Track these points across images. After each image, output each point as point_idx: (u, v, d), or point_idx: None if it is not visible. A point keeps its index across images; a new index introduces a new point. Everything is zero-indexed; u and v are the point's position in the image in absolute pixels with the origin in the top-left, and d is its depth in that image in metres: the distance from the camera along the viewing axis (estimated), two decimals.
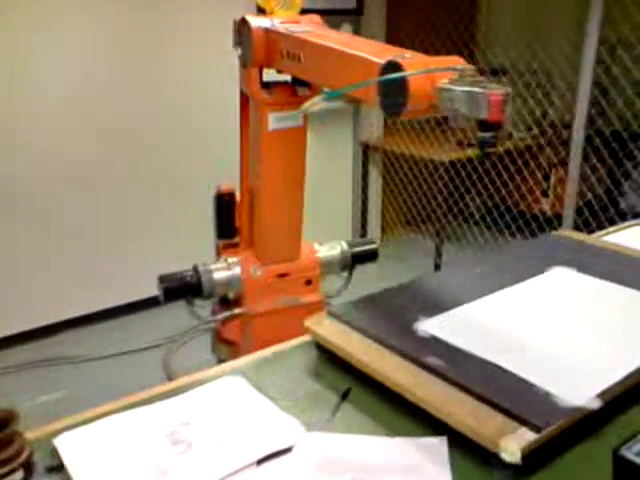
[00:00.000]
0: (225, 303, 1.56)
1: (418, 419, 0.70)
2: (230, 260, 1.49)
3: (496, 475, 0.62)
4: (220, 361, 1.68)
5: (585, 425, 0.67)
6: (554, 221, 2.75)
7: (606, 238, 1.25)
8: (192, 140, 2.67)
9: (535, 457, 0.62)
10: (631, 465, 0.56)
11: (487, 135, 0.77)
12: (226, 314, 1.52)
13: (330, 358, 0.82)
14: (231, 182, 1.58)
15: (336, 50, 1.03)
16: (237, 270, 1.47)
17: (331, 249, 1.60)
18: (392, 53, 0.90)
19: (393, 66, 0.83)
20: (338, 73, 1.05)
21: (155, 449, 0.67)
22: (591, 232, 1.38)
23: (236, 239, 1.61)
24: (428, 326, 0.83)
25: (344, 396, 0.76)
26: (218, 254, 1.64)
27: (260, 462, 0.65)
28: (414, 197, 3.32)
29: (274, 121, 1.34)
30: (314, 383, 0.79)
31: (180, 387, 0.79)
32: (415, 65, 0.82)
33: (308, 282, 1.53)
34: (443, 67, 0.81)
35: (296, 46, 1.18)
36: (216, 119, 2.60)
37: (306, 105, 1.07)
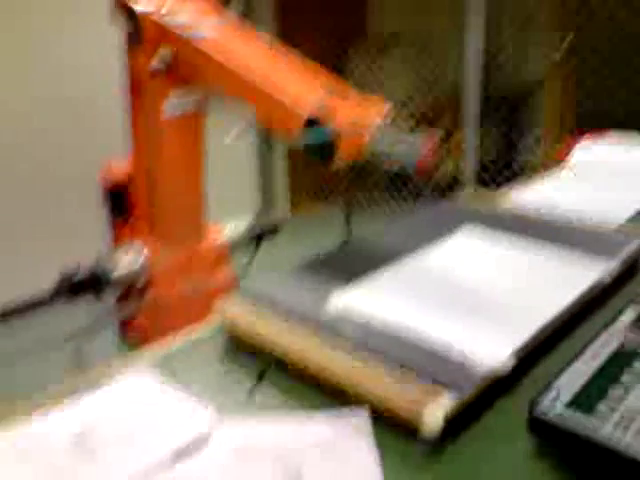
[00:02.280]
0: (129, 291, 1.49)
1: (340, 395, 0.67)
2: (132, 248, 1.41)
3: (419, 443, 0.60)
4: (131, 349, 1.61)
5: (503, 383, 0.66)
6: (456, 183, 2.82)
7: (508, 195, 1.27)
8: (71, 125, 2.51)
9: (457, 421, 0.61)
10: (545, 414, 0.56)
11: (419, 181, 0.84)
12: (134, 304, 1.44)
13: (242, 340, 0.78)
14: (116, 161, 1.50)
15: (252, 85, 0.97)
16: (141, 258, 1.40)
17: (235, 227, 1.55)
18: (313, 92, 0.90)
19: (315, 121, 0.85)
20: (254, 108, 1.01)
21: (56, 462, 0.61)
22: (492, 191, 1.40)
23: (129, 216, 1.53)
24: (340, 299, 0.80)
25: (260, 378, 0.72)
26: (114, 234, 1.56)
27: (175, 458, 0.61)
28: (321, 169, 3.29)
29: (169, 107, 1.27)
30: (228, 367, 0.75)
31: (83, 385, 0.73)
32: (341, 113, 0.84)
33: (216, 262, 1.48)
34: (372, 119, 0.84)
35: (196, 56, 1.10)
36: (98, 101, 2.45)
37: (231, 138, 1.01)
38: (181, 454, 0.61)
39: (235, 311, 0.79)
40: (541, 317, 0.74)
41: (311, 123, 0.85)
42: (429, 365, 0.65)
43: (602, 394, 0.58)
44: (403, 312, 0.76)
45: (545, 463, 0.58)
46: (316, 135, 0.83)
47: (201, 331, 0.84)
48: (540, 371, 0.71)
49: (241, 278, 1.52)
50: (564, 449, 0.57)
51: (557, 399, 0.57)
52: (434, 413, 0.59)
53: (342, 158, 0.84)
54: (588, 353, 0.64)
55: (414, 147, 0.80)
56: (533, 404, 0.57)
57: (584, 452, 0.55)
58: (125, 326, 1.57)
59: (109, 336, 1.65)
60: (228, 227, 1.55)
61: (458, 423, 0.61)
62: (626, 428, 0.53)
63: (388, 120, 0.85)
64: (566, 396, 0.57)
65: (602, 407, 0.56)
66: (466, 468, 0.58)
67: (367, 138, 0.83)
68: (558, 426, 0.56)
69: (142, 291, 1.43)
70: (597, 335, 0.67)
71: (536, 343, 0.71)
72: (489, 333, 0.72)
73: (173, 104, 1.26)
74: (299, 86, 0.94)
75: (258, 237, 1.60)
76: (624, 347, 0.65)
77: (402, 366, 0.65)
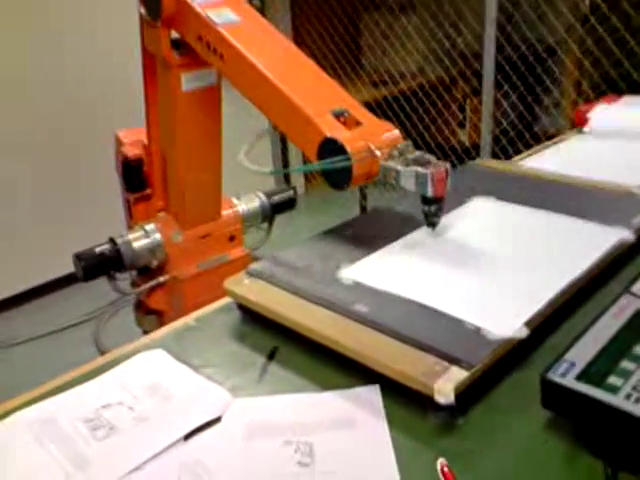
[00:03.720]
0: (145, 272, 1.50)
1: (350, 371, 0.67)
2: (148, 227, 1.41)
3: (431, 418, 0.61)
4: (146, 332, 1.63)
5: (515, 355, 0.66)
6: (472, 151, 2.78)
7: (523, 162, 1.25)
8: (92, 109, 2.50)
9: (468, 394, 0.61)
10: (557, 387, 0.56)
11: (431, 208, 0.85)
12: (152, 284, 1.45)
13: (254, 319, 0.78)
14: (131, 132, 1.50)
15: (272, 84, 0.95)
16: (157, 237, 1.40)
17: (250, 201, 1.55)
18: (331, 105, 0.91)
19: (334, 144, 0.85)
20: (271, 108, 0.99)
21: (73, 439, 0.62)
22: (509, 159, 1.38)
23: (148, 191, 1.53)
24: (351, 273, 0.80)
25: (271, 356, 0.73)
26: (129, 210, 1.56)
27: (188, 437, 0.62)
28: None
29: (187, 82, 1.25)
30: (239, 346, 0.76)
31: (99, 366, 0.74)
32: (355, 141, 0.85)
33: (231, 238, 1.48)
34: (384, 146, 0.86)
35: (218, 42, 1.07)
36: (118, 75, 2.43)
37: (242, 155, 0.99)
38: (195, 433, 0.62)
39: (246, 288, 0.79)
40: (555, 285, 0.73)
41: (328, 142, 0.85)
42: (441, 337, 0.65)
43: (613, 366, 0.57)
44: (415, 284, 0.76)
45: (557, 436, 0.57)
46: (335, 161, 0.84)
47: (213, 310, 0.84)
48: (556, 340, 0.70)
49: (256, 253, 1.53)
50: (576, 422, 0.57)
51: (568, 372, 0.56)
52: (445, 386, 0.59)
53: (355, 184, 0.85)
54: (600, 323, 0.63)
55: (428, 177, 0.81)
56: (544, 378, 0.57)
57: (595, 424, 0.54)
58: (142, 307, 1.58)
59: (126, 317, 1.67)
60: (243, 202, 1.55)
61: (469, 396, 0.61)
62: (637, 400, 0.53)
63: (399, 147, 0.87)
64: (577, 369, 0.57)
65: (613, 379, 0.55)
66: (477, 442, 0.58)
67: (379, 164, 0.85)
68: (569, 399, 0.55)
69: (158, 270, 1.44)
70: (610, 304, 0.66)
71: (550, 312, 0.71)
72: (502, 303, 0.71)
73: (189, 78, 1.25)
74: (320, 100, 0.93)
75: (273, 212, 1.60)
76: (638, 316, 0.64)
77: (414, 339, 0.65)
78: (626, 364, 0.57)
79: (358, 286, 0.77)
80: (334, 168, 0.84)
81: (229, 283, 0.80)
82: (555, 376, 0.56)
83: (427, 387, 0.60)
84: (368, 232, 0.91)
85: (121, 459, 0.59)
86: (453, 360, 0.62)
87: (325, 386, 0.67)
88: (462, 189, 1.04)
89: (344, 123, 0.89)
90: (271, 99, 0.95)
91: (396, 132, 0.90)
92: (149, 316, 1.62)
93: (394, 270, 0.80)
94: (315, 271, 0.81)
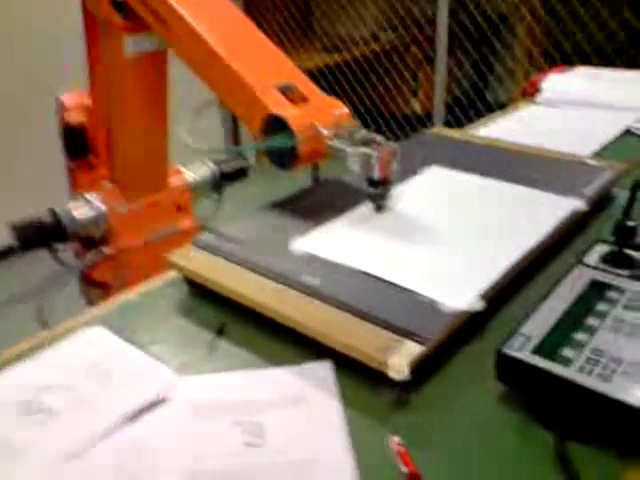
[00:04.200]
0: (90, 243, 1.44)
1: (302, 346, 0.65)
2: (90, 197, 1.35)
3: (385, 393, 0.59)
4: (92, 305, 1.57)
5: (469, 326, 0.65)
6: (425, 120, 2.77)
7: (476, 131, 1.24)
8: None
9: (423, 369, 0.59)
10: (512, 360, 0.55)
11: (377, 191, 0.82)
12: (95, 256, 1.39)
13: (202, 293, 0.75)
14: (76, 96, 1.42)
15: (216, 55, 0.89)
16: (100, 208, 1.34)
17: (198, 170, 1.50)
18: (278, 79, 0.87)
19: (279, 122, 0.81)
20: (214, 80, 0.93)
21: (7, 426, 0.58)
22: (461, 127, 1.37)
23: (91, 158, 1.46)
24: (302, 245, 0.77)
25: (219, 332, 0.70)
26: (72, 179, 1.49)
27: (130, 419, 0.59)
28: None
29: (130, 46, 1.18)
30: (186, 322, 0.72)
31: (34, 345, 0.69)
32: (301, 118, 0.81)
33: (180, 209, 1.43)
34: (331, 125, 0.83)
35: (160, 5, 1.00)
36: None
37: (183, 131, 0.93)
38: (137, 414, 0.59)
39: (192, 261, 0.76)
40: (510, 256, 0.72)
41: (273, 119, 0.81)
42: (395, 310, 0.63)
43: (567, 338, 0.56)
44: (368, 255, 0.74)
45: (511, 409, 0.57)
46: (279, 140, 0.80)
47: (158, 284, 0.80)
48: (510, 311, 0.69)
49: (206, 224, 1.48)
50: (531, 395, 0.56)
51: (524, 346, 0.55)
52: (400, 362, 0.57)
53: (300, 164, 0.82)
54: (554, 295, 0.63)
55: (373, 158, 0.78)
56: (500, 352, 0.55)
57: (549, 397, 0.54)
58: (87, 280, 1.52)
59: (71, 291, 1.61)
60: (192, 170, 1.49)
61: (424, 370, 0.60)
62: (590, 371, 0.52)
63: (347, 126, 0.83)
64: (533, 342, 0.56)
65: (567, 352, 0.55)
66: (431, 417, 0.57)
67: (326, 144, 0.81)
68: (524, 373, 0.54)
69: (101, 242, 1.38)
70: (563, 276, 0.66)
71: (505, 283, 0.69)
72: (456, 274, 0.70)
73: (133, 42, 1.18)
74: (266, 73, 0.88)
75: (224, 181, 1.55)
76: (592, 286, 0.64)
77: (367, 312, 0.63)
78: (579, 336, 0.57)
79: (309, 258, 0.74)
80: (278, 147, 0.81)
81: (174, 256, 0.77)
82: (511, 350, 0.55)
83: (380, 363, 0.58)
84: (320, 203, 0.89)
85: (56, 445, 0.56)
86: (407, 334, 0.60)
87: (276, 362, 0.64)
88: (415, 158, 1.02)
89: (291, 99, 0.85)
90: (215, 71, 0.90)
91: (344, 110, 0.87)
92: (95, 289, 1.56)
93: (346, 242, 0.78)
94: (264, 243, 0.78)
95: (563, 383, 0.52)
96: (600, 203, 0.90)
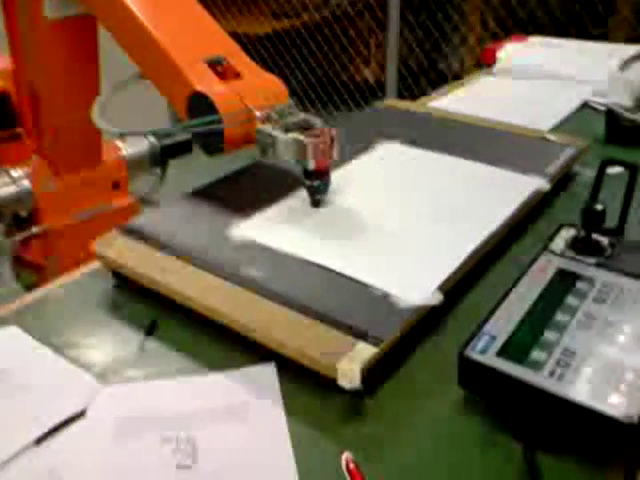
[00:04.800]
0: (19, 222, 1.33)
1: (242, 347, 0.58)
2: (14, 173, 1.24)
3: (335, 401, 0.53)
4: (27, 288, 1.47)
5: (426, 320, 0.59)
6: (377, 90, 2.69)
7: (431, 103, 1.18)
8: None
9: (376, 371, 0.53)
10: (476, 365, 0.49)
11: (314, 183, 0.72)
12: (23, 235, 1.29)
13: (130, 285, 0.67)
14: None
15: (138, 23, 0.78)
16: (25, 184, 1.23)
17: (136, 145, 1.40)
18: (207, 51, 0.76)
19: (204, 100, 0.71)
20: (136, 52, 0.82)
21: None
22: (415, 98, 1.30)
23: (18, 129, 1.34)
24: (245, 229, 0.69)
25: (149, 331, 0.62)
26: None
27: (44, 438, 0.51)
28: None
29: (51, 8, 1.06)
30: (112, 320, 0.64)
31: None
32: (229, 97, 0.72)
33: (115, 186, 1.33)
34: (264, 106, 0.73)
35: None
36: None
37: (95, 110, 0.81)
38: (53, 431, 0.51)
39: (118, 250, 0.67)
40: (469, 242, 0.66)
41: (198, 97, 0.72)
42: (345, 306, 0.57)
43: (536, 338, 0.51)
44: (315, 243, 0.67)
45: (474, 416, 0.51)
46: (201, 121, 0.71)
47: (81, 276, 0.72)
48: (471, 302, 0.64)
49: (145, 202, 1.39)
50: (497, 402, 0.50)
51: (488, 348, 0.50)
52: (350, 367, 0.50)
53: (227, 149, 0.73)
54: (520, 287, 0.57)
55: (307, 146, 0.68)
56: (462, 355, 0.50)
57: (518, 404, 0.48)
58: (19, 262, 1.41)
59: (4, 273, 1.50)
60: (129, 145, 1.39)
61: (377, 373, 0.54)
62: (561, 376, 0.47)
63: (280, 107, 0.73)
64: (498, 343, 0.50)
65: (536, 354, 0.49)
66: (386, 427, 0.51)
67: (258, 127, 0.71)
68: (489, 378, 0.49)
69: (28, 221, 1.27)
70: (528, 265, 0.60)
71: (465, 271, 0.64)
72: (411, 264, 0.64)
73: (54, 4, 1.06)
74: (194, 45, 0.78)
75: (165, 156, 1.46)
76: (559, 277, 0.58)
77: (313, 309, 0.56)
78: (549, 335, 0.51)
79: (250, 246, 0.66)
80: (201, 130, 0.71)
81: (99, 244, 0.68)
82: (474, 353, 0.49)
83: (329, 368, 0.51)
84: (263, 184, 0.81)
85: None
86: (359, 334, 0.53)
87: (213, 366, 0.57)
88: (366, 133, 0.95)
89: (220, 74, 0.75)
90: (136, 41, 0.80)
91: (280, 87, 0.77)
92: (27, 272, 1.46)
93: (291, 227, 0.70)
94: (200, 228, 0.70)
95: (533, 391, 0.46)
96: (562, 181, 0.86)
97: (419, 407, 0.52)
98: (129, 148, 1.37)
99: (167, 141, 1.42)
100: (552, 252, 0.62)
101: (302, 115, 0.73)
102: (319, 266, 0.63)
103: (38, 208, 1.25)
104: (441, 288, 0.59)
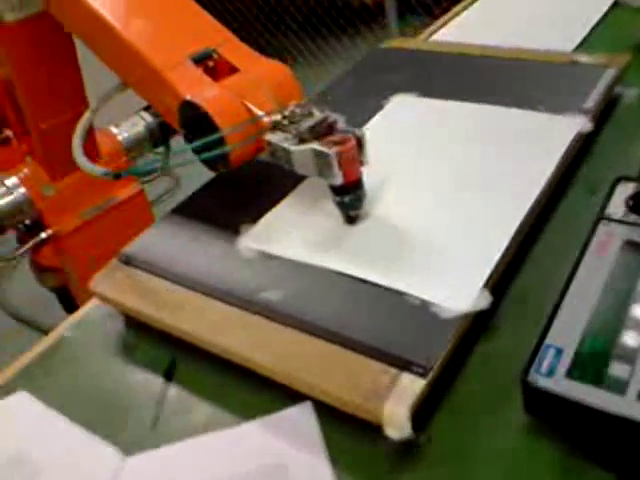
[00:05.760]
0: (28, 228, 1.27)
1: (272, 383, 0.51)
2: (9, 182, 1.16)
3: (382, 442, 0.46)
4: (52, 290, 1.43)
5: (471, 329, 0.51)
6: (376, 12, 2.51)
7: (438, 36, 1.05)
8: None
9: (426, 402, 0.46)
10: (543, 393, 0.41)
11: (345, 199, 0.58)
12: (30, 244, 1.23)
13: (138, 326, 0.60)
14: None
15: (106, 24, 0.65)
16: (22, 192, 1.16)
17: (133, 126, 1.30)
18: (192, 46, 0.63)
19: (195, 109, 0.58)
20: (112, 59, 0.69)
21: None
22: (421, 22, 1.17)
23: (7, 132, 1.26)
24: (252, 239, 0.61)
25: (168, 376, 0.55)
26: None
27: None
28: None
29: (8, 11, 0.94)
30: (127, 365, 0.58)
31: None
32: (226, 103, 0.59)
33: (117, 176, 1.24)
34: (272, 104, 0.59)
35: None
36: None
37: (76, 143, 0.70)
38: None
39: (119, 286, 0.60)
40: (511, 220, 0.57)
41: (188, 107, 0.59)
42: (382, 327, 0.49)
43: (613, 343, 0.43)
44: (336, 245, 0.59)
45: (549, 442, 0.44)
46: (201, 144, 0.58)
47: (90, 316, 0.65)
48: (514, 297, 0.55)
49: (151, 181, 1.31)
50: (572, 430, 0.43)
51: (555, 367, 0.42)
52: (398, 413, 0.43)
53: (235, 165, 0.61)
54: (581, 273, 0.48)
55: (332, 159, 0.54)
56: (524, 383, 0.42)
57: (600, 434, 0.41)
58: (37, 268, 1.36)
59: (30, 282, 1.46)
60: (124, 129, 1.30)
61: (426, 405, 0.46)
62: None
63: (291, 108, 0.59)
64: (566, 359, 0.42)
65: (616, 368, 0.41)
66: (448, 466, 0.44)
67: (267, 138, 0.59)
68: (560, 405, 0.41)
69: (35, 227, 1.21)
70: (587, 240, 0.51)
71: (509, 260, 0.55)
72: (447, 261, 0.55)
73: (8, 7, 0.95)
74: (175, 42, 0.65)
75: (166, 132, 1.36)
76: (627, 252, 0.49)
77: (347, 336, 0.49)
78: (628, 336, 0.43)
79: (264, 259, 0.58)
80: (203, 151, 0.59)
81: (97, 281, 0.61)
82: (540, 378, 0.42)
83: (373, 414, 0.44)
84: (264, 181, 0.69)
85: None
86: (402, 364, 0.46)
87: (243, 411, 0.51)
88: (376, 84, 0.84)
89: (213, 71, 0.63)
90: (107, 45, 0.68)
91: (287, 75, 0.63)
92: (48, 275, 1.41)
93: (306, 229, 0.61)
94: (206, 242, 0.62)
95: (618, 420, 0.39)
96: (604, 110, 0.74)
97: (479, 438, 0.45)
98: (124, 132, 1.28)
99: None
100: (610, 218, 0.53)
101: (319, 114, 0.58)
102: (341, 274, 0.55)
103: (41, 214, 1.18)
104: (487, 284, 0.51)
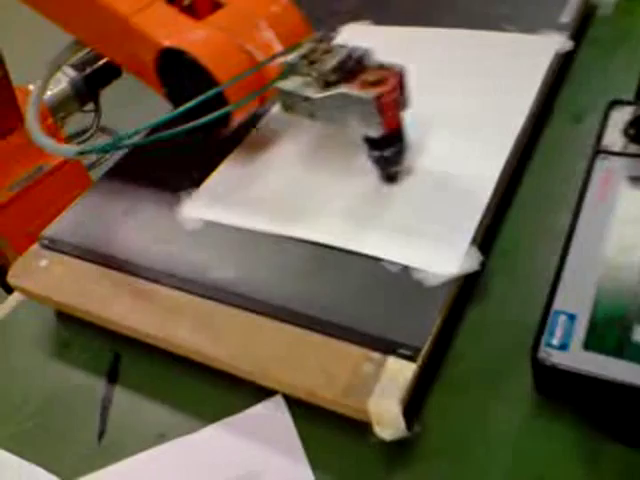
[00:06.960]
0: None
1: (236, 379, 0.43)
2: None
3: (367, 437, 0.39)
4: None
5: (462, 296, 0.44)
6: None
7: None
8: None
9: (417, 386, 0.39)
10: (558, 371, 0.35)
11: (386, 153, 0.47)
12: None
13: (70, 320, 0.51)
14: None
15: None
16: None
17: (55, 83, 1.17)
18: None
19: (179, 60, 0.46)
20: (72, 16, 0.54)
21: None
22: None
23: None
24: (195, 207, 0.52)
25: (112, 376, 0.47)
26: None
27: None
28: None
29: None
30: (62, 366, 0.49)
31: None
32: (218, 45, 0.47)
33: (81, 154, 1.12)
34: (276, 44, 0.47)
35: None
36: None
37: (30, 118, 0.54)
38: None
39: (39, 274, 0.51)
40: (494, 161, 0.49)
41: (171, 57, 0.47)
42: (358, 301, 0.42)
43: (633, 301, 0.36)
44: (295, 206, 0.50)
45: (558, 419, 0.37)
46: (197, 102, 0.44)
47: (15, 307, 0.56)
48: (502, 249, 0.48)
49: (84, 144, 1.19)
50: (592, 408, 0.36)
51: (569, 338, 0.35)
52: (388, 409, 0.36)
53: (233, 125, 0.50)
54: (581, 223, 0.41)
55: (370, 106, 0.43)
56: (535, 360, 0.35)
57: (624, 412, 0.34)
58: None
59: None
60: (41, 84, 1.17)
61: (417, 389, 0.39)
62: None
63: (304, 43, 0.47)
64: (581, 327, 0.35)
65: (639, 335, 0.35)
66: (446, 459, 0.37)
67: (278, 86, 0.47)
68: (580, 385, 0.34)
69: None
70: (585, 181, 0.44)
71: (496, 207, 0.47)
72: (428, 216, 0.47)
73: None
74: None
75: (93, 87, 1.23)
76: (632, 190, 0.42)
77: (316, 317, 0.41)
78: None
79: (211, 230, 0.50)
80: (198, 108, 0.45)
81: (15, 273, 0.52)
82: (553, 352, 0.35)
83: (357, 412, 0.37)
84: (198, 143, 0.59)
85: None
86: (386, 346, 0.39)
87: (203, 413, 0.43)
88: (320, 16, 0.74)
89: (189, 9, 0.51)
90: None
91: (290, 9, 0.51)
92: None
93: (258, 190, 0.53)
94: (142, 215, 0.53)
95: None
96: (581, 24, 0.66)
97: (480, 422, 0.38)
98: (47, 91, 1.15)
99: (88, 70, 1.19)
100: (609, 151, 0.46)
101: (342, 49, 0.46)
102: (303, 241, 0.46)
103: None
104: (475, 240, 0.44)
